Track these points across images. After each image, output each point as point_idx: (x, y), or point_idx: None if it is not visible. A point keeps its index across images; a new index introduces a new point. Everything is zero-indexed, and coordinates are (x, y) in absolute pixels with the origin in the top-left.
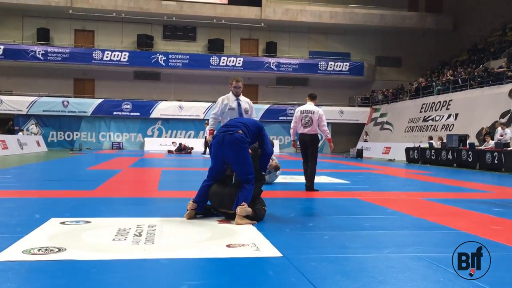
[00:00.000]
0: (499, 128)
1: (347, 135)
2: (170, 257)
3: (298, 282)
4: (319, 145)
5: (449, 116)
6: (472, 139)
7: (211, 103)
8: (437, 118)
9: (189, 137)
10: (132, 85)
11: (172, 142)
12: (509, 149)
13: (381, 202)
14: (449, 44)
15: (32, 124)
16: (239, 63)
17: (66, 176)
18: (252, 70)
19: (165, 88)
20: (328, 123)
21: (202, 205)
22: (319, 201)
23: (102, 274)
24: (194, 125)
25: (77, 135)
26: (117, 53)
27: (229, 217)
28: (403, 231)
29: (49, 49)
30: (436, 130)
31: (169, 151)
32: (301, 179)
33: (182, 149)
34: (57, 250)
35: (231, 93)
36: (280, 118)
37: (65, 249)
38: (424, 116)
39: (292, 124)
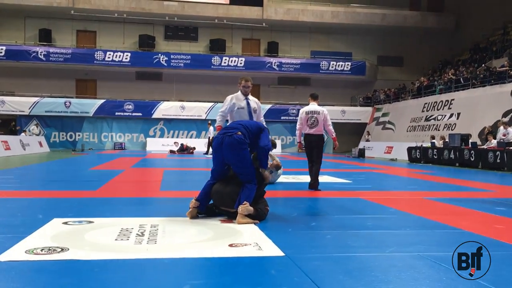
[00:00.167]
0: (501, 127)
1: (349, 135)
2: (172, 256)
3: (300, 282)
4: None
5: (451, 116)
6: (475, 138)
7: (213, 103)
8: (439, 117)
9: (191, 137)
10: (134, 85)
11: (174, 142)
12: (511, 148)
13: (384, 202)
14: (451, 43)
15: (33, 125)
16: (241, 63)
17: (69, 176)
18: (254, 70)
19: (167, 88)
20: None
21: (205, 203)
22: (322, 201)
23: (105, 273)
24: (196, 125)
25: (79, 135)
26: (119, 53)
27: (232, 217)
28: (405, 231)
29: (51, 49)
30: (438, 130)
31: (171, 151)
32: (304, 178)
33: (184, 149)
34: (60, 250)
35: (239, 92)
36: (282, 118)
37: (68, 249)
38: (426, 116)
39: (297, 126)
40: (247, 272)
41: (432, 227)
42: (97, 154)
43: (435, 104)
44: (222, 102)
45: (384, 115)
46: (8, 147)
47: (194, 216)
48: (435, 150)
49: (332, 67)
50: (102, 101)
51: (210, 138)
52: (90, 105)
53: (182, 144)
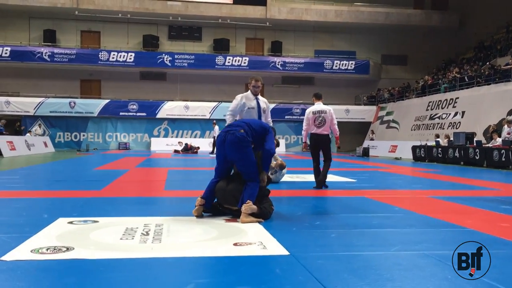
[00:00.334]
0: (506, 126)
1: (353, 134)
2: (177, 255)
3: (305, 280)
4: None
5: (455, 114)
6: (479, 136)
7: (217, 102)
8: (444, 116)
9: (195, 137)
10: (138, 85)
11: (178, 142)
12: None
13: (388, 200)
14: (455, 42)
15: (36, 125)
16: (244, 63)
17: (74, 176)
18: (258, 69)
19: (171, 88)
20: None
21: (210, 201)
22: (326, 200)
23: (110, 272)
24: (200, 125)
25: (84, 135)
26: (123, 53)
27: (235, 215)
28: (410, 229)
29: (56, 50)
30: (443, 128)
31: (176, 151)
32: (308, 178)
33: (188, 149)
34: (65, 249)
35: (249, 92)
36: (286, 117)
37: (73, 248)
38: (431, 114)
39: (304, 126)
40: (251, 271)
41: (436, 226)
42: (102, 154)
43: (439, 102)
44: (226, 101)
45: (388, 114)
46: (13, 148)
47: (200, 214)
48: (440, 149)
49: (336, 66)
50: (107, 101)
51: (215, 137)
52: (95, 105)
53: (186, 144)
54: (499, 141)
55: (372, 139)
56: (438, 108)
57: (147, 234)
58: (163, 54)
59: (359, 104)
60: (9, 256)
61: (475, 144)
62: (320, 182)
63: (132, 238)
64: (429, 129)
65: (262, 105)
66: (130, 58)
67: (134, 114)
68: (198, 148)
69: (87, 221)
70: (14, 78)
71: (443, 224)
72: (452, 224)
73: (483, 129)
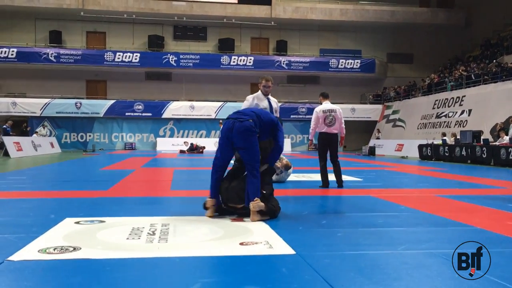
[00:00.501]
0: None
1: (359, 133)
2: (183, 255)
3: (312, 279)
4: None
5: (462, 112)
6: (486, 135)
7: (222, 102)
8: (450, 114)
9: (200, 136)
10: (144, 85)
11: (184, 142)
12: None
13: (395, 199)
14: (461, 40)
15: (41, 126)
16: (249, 62)
17: (80, 176)
18: (263, 69)
19: (177, 88)
20: None
21: (218, 200)
22: (332, 199)
23: (117, 272)
24: (206, 124)
25: (90, 136)
26: (128, 54)
27: (240, 214)
28: (417, 228)
29: (62, 51)
30: (450, 127)
31: (181, 151)
32: (314, 177)
33: (194, 149)
34: (72, 249)
35: (260, 92)
36: (292, 116)
37: (80, 248)
38: (437, 113)
39: (313, 125)
40: (258, 270)
41: (443, 225)
42: (108, 154)
43: (446, 101)
44: (232, 101)
45: (394, 112)
46: (20, 148)
47: (213, 215)
48: (447, 147)
49: (342, 65)
50: (112, 101)
51: None
52: (101, 106)
53: (192, 144)
54: (506, 139)
55: (378, 138)
56: (445, 107)
57: (154, 234)
58: (168, 54)
59: (365, 103)
60: (17, 256)
61: (482, 143)
62: (339, 185)
63: (139, 238)
64: (436, 128)
65: (274, 105)
66: (136, 59)
67: (140, 114)
68: (204, 147)
69: (93, 221)
70: (20, 79)
71: (450, 222)
72: (459, 222)
73: (490, 127)
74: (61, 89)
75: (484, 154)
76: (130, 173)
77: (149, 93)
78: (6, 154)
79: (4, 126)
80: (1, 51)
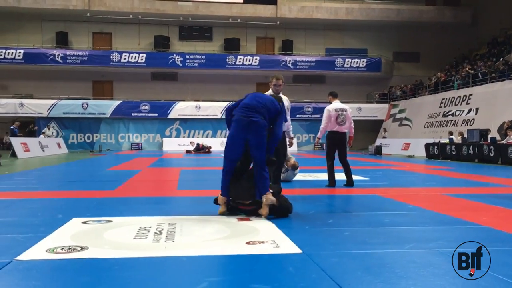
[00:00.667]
0: None
1: (366, 132)
2: (190, 254)
3: (319, 278)
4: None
5: (469, 111)
6: (494, 133)
7: (228, 102)
8: (457, 113)
9: (206, 136)
10: (150, 86)
11: (190, 142)
12: None
13: (401, 198)
14: (468, 38)
15: (45, 127)
16: (255, 62)
17: (87, 177)
18: (269, 68)
19: (182, 88)
20: None
21: (229, 197)
22: (339, 198)
23: (124, 271)
24: (212, 124)
25: (96, 136)
26: (134, 54)
27: (248, 210)
28: (424, 227)
29: (68, 52)
30: (456, 125)
31: (187, 151)
32: (320, 176)
33: (200, 149)
34: (79, 248)
35: (270, 91)
36: (298, 116)
37: (88, 248)
38: (444, 111)
39: (324, 123)
40: (264, 269)
41: (451, 223)
42: (115, 154)
43: (452, 99)
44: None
45: (400, 111)
46: (27, 149)
47: (225, 212)
48: (454, 146)
49: (347, 64)
50: (119, 102)
51: None
52: (107, 106)
53: (198, 144)
54: None
55: (384, 137)
56: (452, 105)
57: (160, 233)
58: (174, 55)
59: (371, 102)
60: (25, 256)
61: (489, 141)
62: (350, 184)
63: (146, 238)
64: (443, 127)
65: (285, 103)
66: (142, 59)
67: (146, 114)
68: (210, 147)
69: (101, 221)
70: (27, 80)
71: (457, 221)
72: (466, 221)
73: (497, 126)
74: (67, 90)
75: (492, 153)
76: (136, 173)
77: (155, 94)
78: (14, 155)
79: (12, 127)
80: (8, 53)
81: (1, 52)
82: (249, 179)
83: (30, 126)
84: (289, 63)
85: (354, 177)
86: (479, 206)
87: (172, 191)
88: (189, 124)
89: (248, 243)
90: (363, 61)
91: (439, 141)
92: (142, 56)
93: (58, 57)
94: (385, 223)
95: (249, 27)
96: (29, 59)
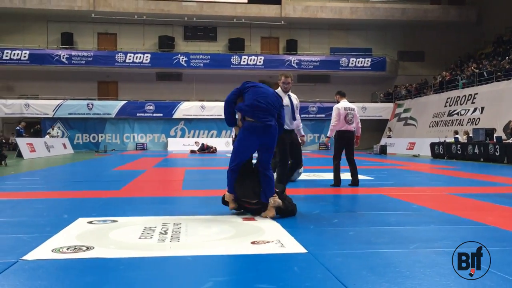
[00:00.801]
0: None
1: (370, 132)
2: (195, 254)
3: (324, 278)
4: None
5: (474, 110)
6: (499, 132)
7: None
8: (463, 112)
9: (211, 136)
10: (155, 86)
11: (195, 142)
12: None
13: (407, 198)
14: (473, 37)
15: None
16: (260, 62)
17: (92, 177)
18: (273, 68)
19: (187, 88)
20: None
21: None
22: (344, 198)
23: (130, 271)
24: (216, 124)
25: (102, 137)
26: (139, 55)
27: (253, 209)
28: (429, 226)
29: (73, 53)
30: (462, 125)
31: (192, 151)
32: (325, 176)
33: (205, 149)
34: (85, 248)
35: (280, 89)
36: (302, 115)
37: (93, 248)
38: (449, 111)
39: (335, 121)
40: (269, 269)
41: (456, 223)
42: (120, 155)
43: (458, 98)
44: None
45: (405, 111)
46: (33, 149)
47: (236, 207)
48: (459, 146)
49: (352, 63)
50: (124, 102)
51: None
52: (112, 107)
53: (202, 144)
54: None
55: (389, 137)
56: (457, 104)
57: (166, 233)
58: (179, 55)
59: (376, 101)
60: (31, 256)
61: (495, 140)
62: (355, 184)
63: (151, 237)
64: (448, 126)
65: (295, 101)
66: (146, 59)
67: (151, 114)
68: (215, 148)
69: (106, 221)
70: (33, 81)
71: (463, 221)
72: (472, 221)
73: (503, 125)
74: (73, 90)
75: (497, 152)
76: (142, 173)
77: (160, 94)
78: (20, 155)
79: (17, 128)
80: (14, 53)
81: (7, 53)
82: (254, 179)
83: (36, 127)
84: (293, 62)
85: (359, 176)
86: (485, 205)
87: (177, 191)
88: (194, 124)
89: (253, 242)
90: (368, 61)
91: (445, 140)
92: (147, 56)
93: (63, 57)
94: (390, 223)
95: (253, 27)
96: (35, 60)
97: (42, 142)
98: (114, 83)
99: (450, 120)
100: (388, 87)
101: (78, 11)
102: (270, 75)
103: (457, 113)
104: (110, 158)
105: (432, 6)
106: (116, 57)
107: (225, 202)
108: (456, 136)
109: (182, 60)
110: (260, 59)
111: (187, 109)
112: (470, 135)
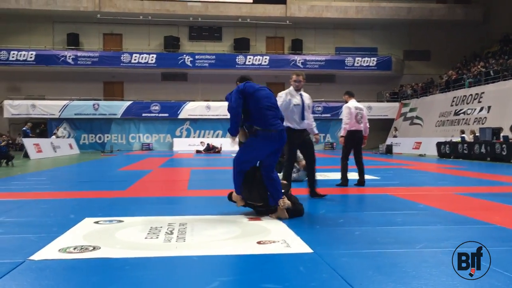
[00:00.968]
0: None
1: (376, 131)
2: (201, 254)
3: (329, 278)
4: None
5: (481, 109)
6: (506, 132)
7: None
8: (469, 111)
9: (216, 136)
10: (160, 86)
11: (201, 142)
12: None
13: (413, 197)
14: (479, 36)
15: (55, 128)
16: (265, 62)
17: (99, 177)
18: (278, 68)
19: (193, 88)
20: None
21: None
22: (349, 197)
23: (136, 271)
24: (222, 124)
25: (107, 137)
26: (144, 55)
27: (258, 212)
28: (436, 226)
29: (79, 53)
30: (468, 124)
31: (198, 151)
32: (330, 175)
33: (210, 149)
34: (91, 248)
35: (291, 88)
36: None
37: (100, 248)
38: (456, 110)
39: (347, 120)
40: (275, 269)
41: (463, 223)
42: (126, 155)
43: (464, 98)
44: None
45: (411, 110)
46: (40, 150)
47: (244, 203)
48: (465, 145)
49: (358, 63)
50: (129, 102)
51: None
52: (118, 107)
53: (208, 144)
54: None
55: (395, 136)
56: (463, 104)
57: (171, 233)
58: (184, 55)
59: (381, 101)
60: (38, 256)
61: (501, 140)
62: (361, 183)
63: (157, 237)
64: (454, 125)
65: (307, 101)
66: (152, 60)
67: (157, 115)
68: (221, 147)
69: (112, 221)
70: (39, 82)
71: (470, 221)
72: (479, 221)
73: (510, 124)
74: (79, 91)
75: (504, 151)
76: (147, 173)
77: (165, 94)
78: (26, 155)
79: (24, 128)
80: (20, 54)
81: (14, 54)
82: (261, 182)
83: (41, 127)
84: (299, 62)
85: (365, 176)
86: (492, 205)
87: (183, 191)
88: (199, 124)
89: (259, 242)
90: (373, 60)
91: (451, 140)
92: (152, 56)
93: (69, 58)
94: (397, 223)
95: (258, 26)
96: (41, 61)
97: (48, 143)
98: (120, 84)
99: (456, 119)
100: (394, 87)
101: (84, 12)
102: (275, 75)
103: (464, 112)
104: (116, 158)
105: (438, 5)
106: (122, 58)
107: (231, 200)
108: (463, 135)
109: (187, 60)
110: (266, 59)
111: (193, 109)
112: (476, 134)
